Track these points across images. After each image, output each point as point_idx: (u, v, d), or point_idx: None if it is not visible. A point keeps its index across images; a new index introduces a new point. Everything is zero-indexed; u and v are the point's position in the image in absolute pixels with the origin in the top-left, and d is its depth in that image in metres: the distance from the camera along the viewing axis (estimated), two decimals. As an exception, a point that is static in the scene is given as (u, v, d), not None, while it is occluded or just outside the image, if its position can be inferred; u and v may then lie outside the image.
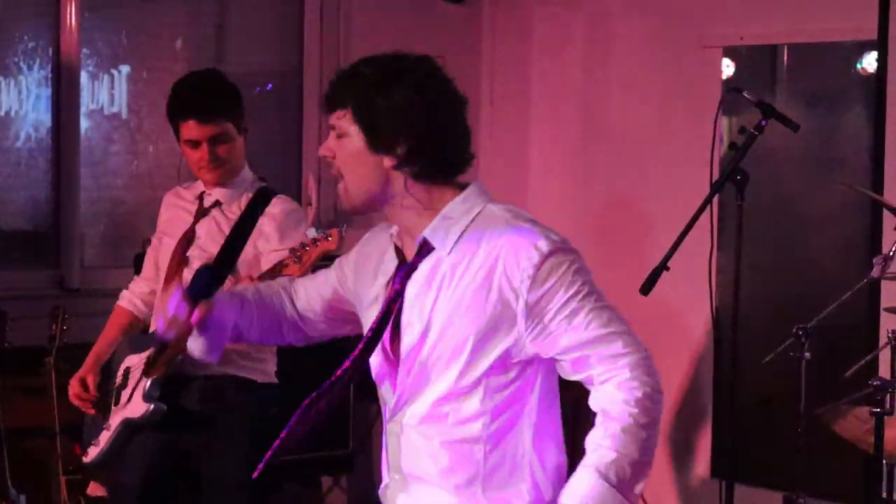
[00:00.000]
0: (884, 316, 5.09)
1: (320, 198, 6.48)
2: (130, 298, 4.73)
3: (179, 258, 4.48)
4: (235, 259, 4.31)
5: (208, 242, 4.44)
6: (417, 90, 2.85)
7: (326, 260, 4.08)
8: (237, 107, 4.48)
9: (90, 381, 4.50)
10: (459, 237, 2.82)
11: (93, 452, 4.49)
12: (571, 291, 2.73)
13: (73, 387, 4.51)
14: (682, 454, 6.30)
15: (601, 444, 2.70)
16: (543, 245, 2.72)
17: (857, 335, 5.36)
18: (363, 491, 6.58)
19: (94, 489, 4.97)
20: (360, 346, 2.91)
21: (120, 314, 4.73)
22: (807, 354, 4.49)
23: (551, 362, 2.83)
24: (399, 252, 2.93)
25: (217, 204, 4.49)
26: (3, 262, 5.67)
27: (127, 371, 4.48)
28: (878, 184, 5.56)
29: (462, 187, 2.89)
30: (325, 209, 6.52)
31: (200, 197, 4.54)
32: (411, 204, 2.88)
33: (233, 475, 4.39)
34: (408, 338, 2.86)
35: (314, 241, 4.07)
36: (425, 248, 2.85)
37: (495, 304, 2.75)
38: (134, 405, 4.39)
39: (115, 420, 4.44)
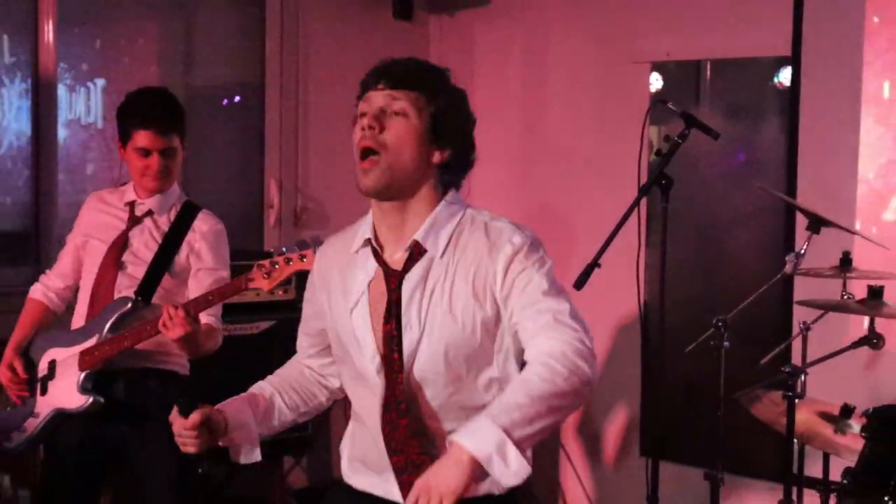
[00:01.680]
0: (796, 308, 5.14)
1: (281, 201, 6.48)
2: (44, 292, 4.64)
3: (114, 262, 4.42)
4: (168, 266, 4.37)
5: (141, 249, 4.42)
6: (464, 106, 2.91)
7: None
8: (184, 125, 4.46)
9: (18, 367, 4.43)
10: (449, 241, 2.80)
11: (17, 438, 4.44)
12: (533, 271, 2.74)
13: (5, 374, 4.44)
14: (613, 435, 6.35)
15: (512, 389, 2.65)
16: (515, 240, 2.74)
17: (771, 326, 5.39)
18: (321, 470, 6.60)
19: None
20: (382, 340, 2.83)
21: (36, 307, 4.63)
22: (726, 344, 4.53)
23: None
24: (378, 257, 2.86)
25: (149, 213, 4.45)
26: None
27: (53, 363, 4.41)
28: (791, 187, 5.62)
29: (444, 194, 2.87)
30: (285, 212, 6.54)
31: (131, 205, 4.48)
32: (421, 202, 2.84)
33: (159, 461, 4.33)
34: (408, 337, 2.80)
35: (287, 259, 4.00)
36: (416, 253, 2.81)
37: (482, 293, 2.74)
38: (69, 397, 4.33)
39: (43, 409, 4.38)
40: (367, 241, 2.87)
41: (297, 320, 5.76)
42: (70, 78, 6.09)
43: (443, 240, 2.81)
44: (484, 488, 2.73)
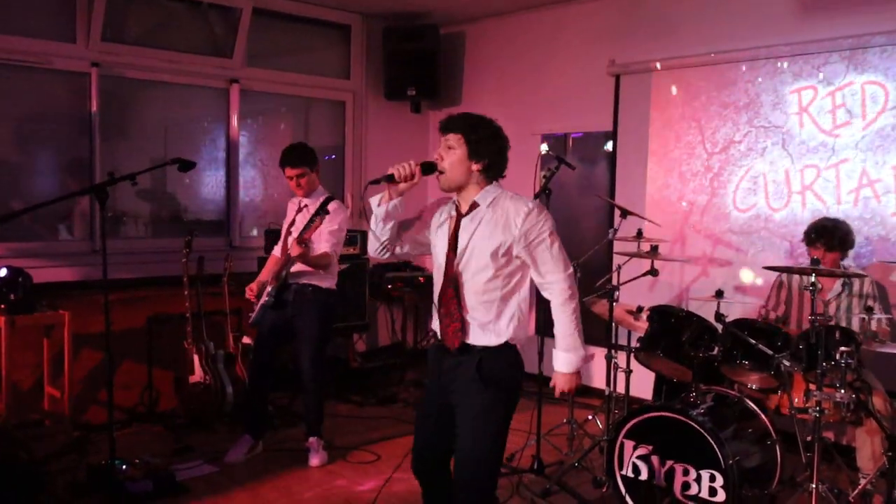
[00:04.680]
0: (615, 256, 5.12)
1: (352, 203, 6.36)
2: (276, 251, 4.56)
3: (287, 231, 4.40)
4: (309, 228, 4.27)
5: (300, 224, 4.33)
6: (496, 134, 2.70)
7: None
8: (311, 160, 4.34)
9: (255, 288, 4.39)
10: (491, 202, 2.67)
11: (252, 318, 4.42)
12: (544, 231, 2.64)
13: (250, 290, 4.40)
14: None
15: (563, 330, 2.69)
16: (529, 206, 2.64)
17: (602, 265, 5.37)
18: (372, 342, 6.51)
19: (246, 340, 4.93)
20: (448, 245, 2.71)
21: (272, 259, 4.56)
22: (579, 274, 4.46)
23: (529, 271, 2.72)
24: (457, 208, 2.74)
25: (305, 206, 4.38)
26: (204, 233, 5.64)
27: (266, 284, 4.37)
28: (612, 195, 5.59)
29: (490, 182, 2.71)
30: (353, 209, 6.35)
31: (299, 203, 4.43)
32: (472, 188, 2.69)
33: (310, 332, 4.30)
34: (461, 244, 2.69)
35: (321, 220, 3.99)
36: (474, 206, 2.69)
37: (505, 230, 2.63)
38: (265, 298, 4.35)
39: (258, 305, 4.38)
40: (452, 201, 2.78)
41: (361, 265, 5.80)
42: (247, 145, 6.02)
43: (488, 201, 2.67)
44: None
